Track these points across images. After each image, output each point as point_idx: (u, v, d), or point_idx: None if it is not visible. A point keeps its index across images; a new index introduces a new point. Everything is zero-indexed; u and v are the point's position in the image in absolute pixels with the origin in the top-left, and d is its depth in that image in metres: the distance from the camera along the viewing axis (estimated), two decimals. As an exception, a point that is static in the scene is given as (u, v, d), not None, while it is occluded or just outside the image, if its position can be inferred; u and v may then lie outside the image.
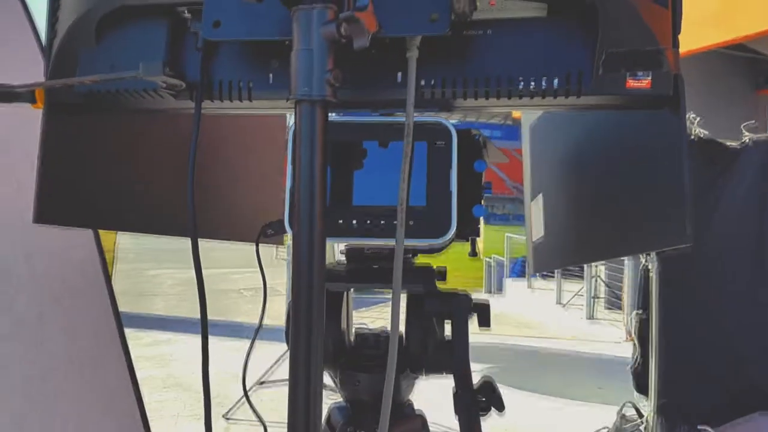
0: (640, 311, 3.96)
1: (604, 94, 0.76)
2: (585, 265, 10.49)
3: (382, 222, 0.90)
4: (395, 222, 0.67)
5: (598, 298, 10.95)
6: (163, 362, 5.93)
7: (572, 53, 0.75)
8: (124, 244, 16.28)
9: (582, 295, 10.95)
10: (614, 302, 10.51)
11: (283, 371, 4.72)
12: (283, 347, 4.81)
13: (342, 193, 0.93)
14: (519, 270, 14.26)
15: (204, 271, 0.88)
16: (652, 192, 0.98)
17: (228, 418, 4.27)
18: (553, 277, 12.11)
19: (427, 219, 0.91)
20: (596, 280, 10.89)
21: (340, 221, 0.92)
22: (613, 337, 8.04)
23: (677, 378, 3.86)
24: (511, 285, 13.22)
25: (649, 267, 3.87)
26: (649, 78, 0.73)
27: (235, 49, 0.84)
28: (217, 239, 1.64)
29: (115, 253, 16.85)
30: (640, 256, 3.92)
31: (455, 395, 1.03)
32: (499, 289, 13.88)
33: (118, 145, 1.26)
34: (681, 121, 0.77)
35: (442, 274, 1.09)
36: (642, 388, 3.93)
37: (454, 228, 0.91)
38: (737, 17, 5.50)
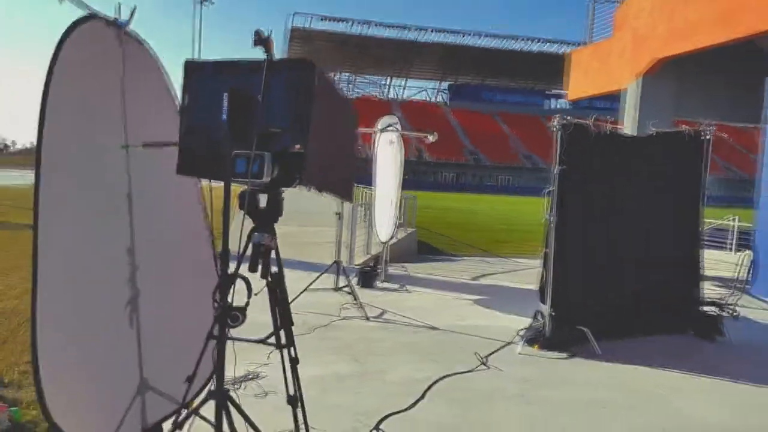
0: (546, 249, 5.92)
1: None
2: None
3: None
4: None
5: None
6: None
7: None
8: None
9: None
10: None
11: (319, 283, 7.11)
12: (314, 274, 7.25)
13: None
14: None
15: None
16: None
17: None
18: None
19: None
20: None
21: None
22: None
23: (563, 293, 5.82)
24: None
25: (549, 219, 5.82)
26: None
27: None
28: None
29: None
30: (547, 214, 5.86)
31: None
32: None
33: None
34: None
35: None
36: (543, 298, 5.91)
37: None
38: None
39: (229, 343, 2.99)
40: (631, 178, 6.31)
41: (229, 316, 2.86)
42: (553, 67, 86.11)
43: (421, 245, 14.48)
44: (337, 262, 7.21)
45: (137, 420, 3.31)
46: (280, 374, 4.65)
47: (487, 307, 7.61)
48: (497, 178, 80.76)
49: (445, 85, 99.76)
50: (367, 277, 8.31)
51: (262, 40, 2.86)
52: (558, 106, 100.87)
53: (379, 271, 8.71)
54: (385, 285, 8.54)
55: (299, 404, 3.24)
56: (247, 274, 2.92)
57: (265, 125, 2.85)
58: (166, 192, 3.58)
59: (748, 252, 8.81)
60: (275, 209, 3.06)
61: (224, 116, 2.85)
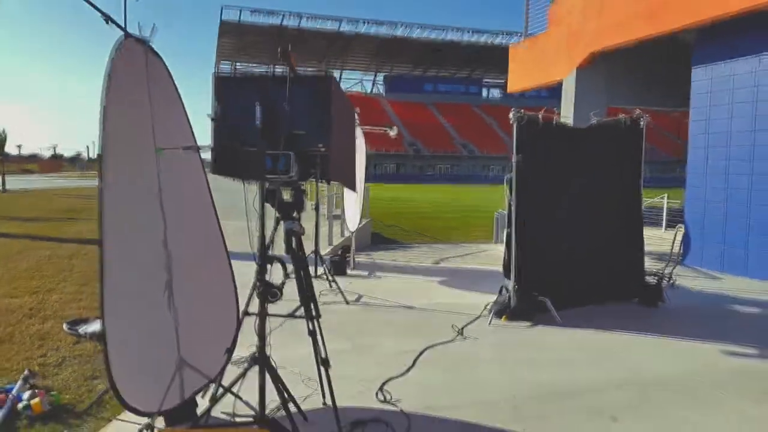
0: (508, 229, 6.58)
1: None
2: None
3: None
4: None
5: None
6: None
7: None
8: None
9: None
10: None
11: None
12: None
13: None
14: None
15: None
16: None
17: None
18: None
19: None
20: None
21: None
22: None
23: (525, 270, 6.49)
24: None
25: (510, 202, 6.47)
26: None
27: None
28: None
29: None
30: (507, 194, 6.52)
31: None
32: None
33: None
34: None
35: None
36: (507, 274, 6.57)
37: None
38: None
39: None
40: (579, 164, 7.03)
41: (269, 293, 3.32)
42: (486, 57, 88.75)
43: (374, 235, 15.00)
44: (315, 252, 7.66)
45: (176, 393, 3.72)
46: (282, 353, 5.13)
47: (452, 287, 8.25)
48: (437, 167, 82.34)
49: (380, 76, 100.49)
50: (339, 265, 8.79)
51: (284, 56, 3.31)
52: (491, 96, 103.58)
53: (348, 259, 9.22)
54: (356, 272, 9.06)
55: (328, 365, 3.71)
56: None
57: (290, 129, 3.31)
58: (183, 188, 3.97)
59: (680, 226, 9.81)
60: (298, 202, 3.53)
61: (258, 122, 3.29)
